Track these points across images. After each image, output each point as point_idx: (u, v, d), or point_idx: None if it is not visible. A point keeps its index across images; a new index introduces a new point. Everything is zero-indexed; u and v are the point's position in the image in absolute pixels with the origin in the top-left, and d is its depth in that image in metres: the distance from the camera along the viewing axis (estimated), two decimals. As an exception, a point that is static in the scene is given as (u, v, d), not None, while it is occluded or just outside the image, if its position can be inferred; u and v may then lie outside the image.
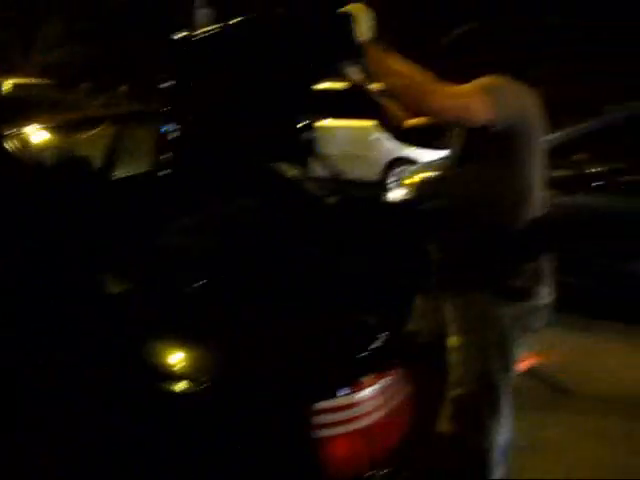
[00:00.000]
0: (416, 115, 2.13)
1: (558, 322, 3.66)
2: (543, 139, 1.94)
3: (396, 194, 4.69)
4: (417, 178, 5.00)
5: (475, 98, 1.72)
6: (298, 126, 2.58)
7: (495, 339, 1.89)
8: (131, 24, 15.91)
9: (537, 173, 1.90)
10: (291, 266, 1.88)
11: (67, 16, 17.88)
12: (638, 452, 2.83)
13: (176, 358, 1.55)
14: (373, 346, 1.49)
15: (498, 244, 1.87)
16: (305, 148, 2.61)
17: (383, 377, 1.46)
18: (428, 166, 5.33)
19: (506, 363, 1.93)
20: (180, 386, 1.47)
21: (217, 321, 1.59)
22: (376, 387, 1.43)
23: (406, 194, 4.69)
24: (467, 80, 1.84)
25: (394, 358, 1.53)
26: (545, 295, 1.95)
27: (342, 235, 2.26)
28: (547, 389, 3.33)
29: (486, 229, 1.88)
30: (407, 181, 4.98)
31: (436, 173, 4.98)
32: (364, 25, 1.75)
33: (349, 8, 1.77)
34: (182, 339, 1.58)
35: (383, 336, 1.52)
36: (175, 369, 1.52)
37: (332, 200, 2.63)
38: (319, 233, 2.22)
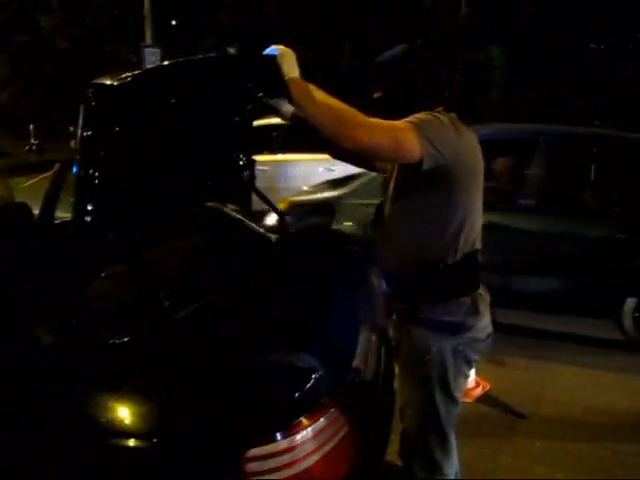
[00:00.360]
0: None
1: (506, 345, 3.79)
2: (481, 174, 1.90)
3: (270, 219, 4.67)
4: (286, 202, 5.08)
5: (406, 134, 1.68)
6: (239, 163, 2.58)
7: (435, 373, 1.87)
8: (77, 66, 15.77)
9: (476, 208, 1.89)
10: (224, 307, 1.84)
11: (14, 56, 17.62)
12: (591, 473, 2.86)
13: (120, 413, 1.48)
14: (306, 387, 1.47)
15: (435, 278, 1.86)
16: (246, 185, 2.60)
17: (318, 418, 1.43)
18: (307, 190, 5.57)
19: (449, 396, 1.91)
20: (132, 443, 1.41)
21: (149, 370, 1.54)
22: (311, 430, 1.40)
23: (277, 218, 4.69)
24: (397, 106, 1.84)
25: (329, 397, 1.51)
26: (484, 327, 1.93)
27: (278, 271, 2.24)
28: (501, 415, 3.36)
29: (423, 263, 1.86)
30: (280, 205, 4.94)
31: (310, 196, 5.14)
32: (290, 62, 1.75)
33: (274, 48, 1.78)
34: (118, 392, 1.51)
35: (317, 376, 1.50)
36: (123, 425, 1.45)
37: (270, 235, 2.62)
38: (255, 271, 2.20)
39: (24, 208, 2.27)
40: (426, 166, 1.71)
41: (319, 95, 1.74)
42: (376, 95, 1.93)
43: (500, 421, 3.30)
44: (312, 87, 1.76)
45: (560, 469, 2.89)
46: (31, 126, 13.43)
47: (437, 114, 1.79)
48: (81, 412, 1.47)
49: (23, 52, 17.33)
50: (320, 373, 1.51)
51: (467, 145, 1.83)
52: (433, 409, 1.90)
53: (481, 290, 1.93)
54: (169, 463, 1.41)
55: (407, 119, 1.75)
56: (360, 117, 1.70)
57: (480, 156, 1.89)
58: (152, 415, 1.46)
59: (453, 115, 1.86)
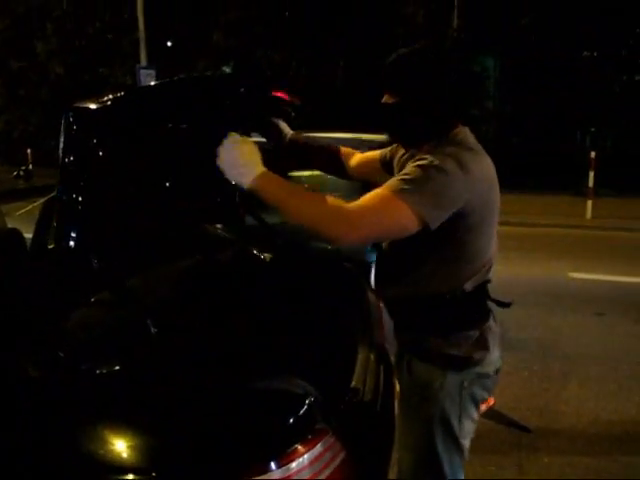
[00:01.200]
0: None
1: (508, 358, 3.73)
2: (497, 200, 1.66)
3: None
4: None
5: (399, 212, 1.45)
6: (231, 182, 2.55)
7: (438, 413, 1.69)
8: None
9: (490, 238, 1.69)
10: (215, 330, 1.80)
11: (11, 82, 17.72)
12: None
13: (116, 447, 1.43)
14: (300, 413, 1.42)
15: (441, 309, 1.68)
16: (238, 204, 2.57)
17: (313, 445, 1.38)
18: None
19: (453, 441, 1.71)
20: (130, 478, 1.36)
21: (140, 400, 1.49)
22: (306, 457, 1.35)
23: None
24: (415, 115, 1.59)
25: (325, 422, 1.46)
26: (493, 361, 1.76)
27: (271, 291, 2.20)
28: (505, 430, 3.30)
29: (429, 294, 1.69)
30: None
31: None
32: (254, 157, 1.53)
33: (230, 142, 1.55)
34: (111, 425, 1.46)
35: (311, 401, 1.45)
36: (120, 460, 1.40)
37: (264, 255, 2.58)
38: (247, 292, 2.16)
39: (16, 234, 2.24)
40: (432, 228, 1.51)
41: (293, 187, 1.54)
42: (385, 100, 1.63)
43: (505, 436, 3.24)
44: (281, 180, 1.54)
45: (566, 482, 2.83)
46: (28, 150, 13.45)
47: (442, 157, 1.52)
48: (74, 448, 1.42)
49: (19, 78, 17.44)
50: (314, 398, 1.46)
51: (477, 178, 1.56)
52: (434, 457, 1.70)
53: (491, 322, 1.76)
54: None
55: (397, 185, 1.48)
56: (342, 212, 1.46)
57: (494, 180, 1.65)
58: (149, 448, 1.41)
59: (465, 137, 1.63)
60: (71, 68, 16.53)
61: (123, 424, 1.45)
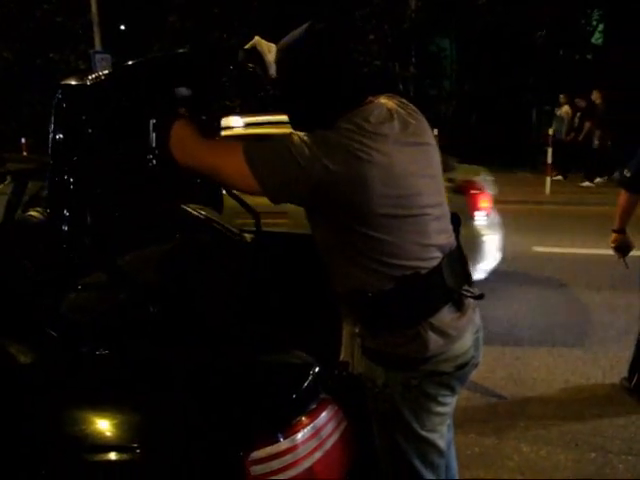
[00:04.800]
0: None
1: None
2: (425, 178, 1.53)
3: None
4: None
5: (233, 160, 1.46)
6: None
7: (389, 411, 1.58)
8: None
9: (413, 225, 1.51)
10: (208, 307, 1.80)
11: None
12: (572, 448, 2.93)
13: (97, 426, 1.42)
14: (304, 384, 1.44)
15: (364, 308, 1.56)
16: (217, 187, 2.55)
17: (318, 415, 1.41)
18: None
19: (416, 437, 1.58)
20: (113, 456, 1.35)
21: (134, 376, 1.48)
22: (312, 427, 1.38)
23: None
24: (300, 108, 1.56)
25: (325, 393, 1.48)
26: (451, 357, 1.57)
27: (259, 270, 2.21)
28: (482, 398, 3.40)
29: (348, 292, 1.57)
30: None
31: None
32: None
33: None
34: (98, 405, 1.45)
35: (314, 372, 1.47)
36: (100, 438, 1.39)
37: (248, 236, 2.58)
38: (234, 271, 2.17)
39: None
40: (274, 202, 1.50)
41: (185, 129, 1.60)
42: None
43: (483, 405, 3.34)
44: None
45: (544, 446, 2.95)
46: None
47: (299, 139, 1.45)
48: (55, 429, 1.41)
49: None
50: (317, 369, 1.48)
51: (328, 171, 1.42)
52: (400, 453, 1.60)
53: (441, 317, 1.55)
54: (159, 475, 1.36)
55: (249, 146, 1.48)
56: (189, 139, 1.54)
57: (377, 178, 1.45)
58: (133, 424, 1.41)
59: (341, 125, 1.48)
60: (20, 53, 15.91)
61: (111, 403, 1.45)
